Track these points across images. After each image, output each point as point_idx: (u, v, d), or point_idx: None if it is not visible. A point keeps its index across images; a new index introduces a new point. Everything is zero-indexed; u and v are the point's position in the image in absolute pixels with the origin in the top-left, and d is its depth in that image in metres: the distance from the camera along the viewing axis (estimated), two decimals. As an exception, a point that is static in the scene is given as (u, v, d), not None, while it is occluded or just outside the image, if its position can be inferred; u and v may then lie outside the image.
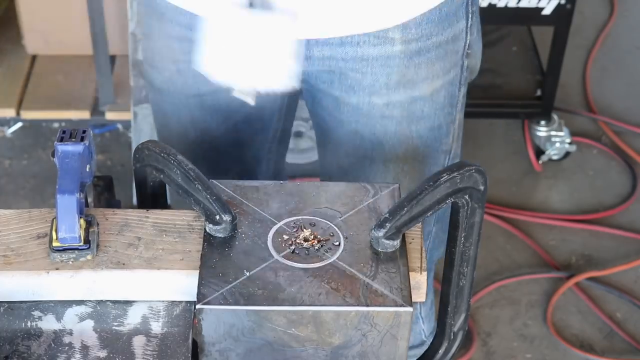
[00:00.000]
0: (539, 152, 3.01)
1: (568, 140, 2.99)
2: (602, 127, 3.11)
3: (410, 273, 1.13)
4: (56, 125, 3.06)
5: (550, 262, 2.69)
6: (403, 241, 1.16)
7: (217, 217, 1.15)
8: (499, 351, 2.49)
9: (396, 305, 1.09)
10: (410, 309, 1.09)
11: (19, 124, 3.06)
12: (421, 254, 1.17)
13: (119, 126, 3.06)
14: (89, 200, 1.29)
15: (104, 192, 1.31)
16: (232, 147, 1.62)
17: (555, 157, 3.00)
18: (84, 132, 1.15)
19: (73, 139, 1.14)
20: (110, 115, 2.97)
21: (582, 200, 2.90)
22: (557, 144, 2.98)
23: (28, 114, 2.98)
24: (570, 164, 3.01)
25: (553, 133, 2.99)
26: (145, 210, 1.21)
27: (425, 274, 1.15)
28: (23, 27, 3.05)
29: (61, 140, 1.14)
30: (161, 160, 1.19)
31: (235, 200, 1.21)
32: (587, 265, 2.70)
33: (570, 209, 2.87)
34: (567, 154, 3.00)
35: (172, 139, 1.63)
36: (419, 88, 1.46)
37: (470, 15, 1.46)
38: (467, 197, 1.16)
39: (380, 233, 1.13)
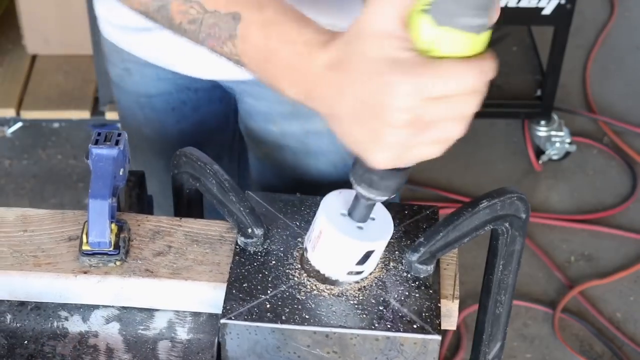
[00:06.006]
0: (539, 152, 3.01)
1: (568, 140, 3.00)
2: (603, 127, 3.12)
3: (441, 300, 1.10)
4: (56, 125, 3.05)
5: (550, 262, 2.70)
6: (437, 266, 1.12)
7: (249, 230, 1.13)
8: (500, 351, 2.49)
9: (424, 333, 1.05)
10: (438, 337, 1.05)
11: (19, 124, 3.05)
12: (455, 281, 1.13)
13: (119, 126, 3.04)
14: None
15: (135, 188, 1.28)
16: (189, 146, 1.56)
17: (555, 157, 3.00)
18: (119, 135, 1.13)
19: (108, 142, 1.12)
20: (110, 115, 2.96)
21: (582, 200, 2.90)
22: (557, 144, 2.98)
23: (28, 114, 2.97)
24: (570, 164, 3.01)
25: (553, 133, 2.99)
26: (178, 219, 1.19)
27: (457, 301, 1.11)
28: (23, 27, 3.04)
29: (96, 142, 1.12)
30: (197, 168, 1.17)
31: (270, 214, 1.18)
32: (587, 265, 2.70)
33: (570, 209, 2.87)
34: (567, 154, 3.01)
35: (131, 133, 1.59)
36: (313, 122, 1.37)
37: None
38: (507, 224, 1.10)
39: (414, 257, 1.10)
